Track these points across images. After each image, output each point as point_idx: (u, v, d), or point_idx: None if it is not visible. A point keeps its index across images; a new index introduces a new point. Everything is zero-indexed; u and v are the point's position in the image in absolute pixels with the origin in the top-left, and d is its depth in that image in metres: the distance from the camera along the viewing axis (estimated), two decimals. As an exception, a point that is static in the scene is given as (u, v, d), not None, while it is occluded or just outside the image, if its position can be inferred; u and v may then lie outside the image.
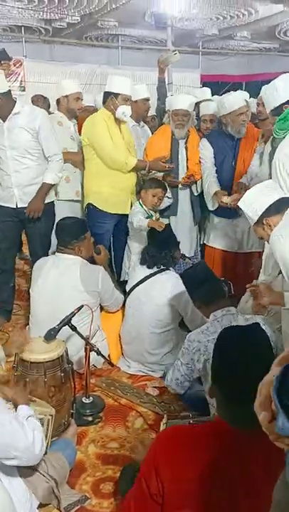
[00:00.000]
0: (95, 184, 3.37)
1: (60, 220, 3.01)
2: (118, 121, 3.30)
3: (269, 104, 2.61)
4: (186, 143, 3.58)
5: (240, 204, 2.30)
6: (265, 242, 2.39)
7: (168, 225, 3.24)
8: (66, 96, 3.56)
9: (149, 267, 2.92)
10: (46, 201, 3.24)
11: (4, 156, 3.09)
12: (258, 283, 2.43)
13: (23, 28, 7.33)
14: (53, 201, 3.35)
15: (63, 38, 7.85)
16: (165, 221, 3.44)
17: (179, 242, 3.06)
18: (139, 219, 3.20)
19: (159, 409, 2.53)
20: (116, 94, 3.21)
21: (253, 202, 2.21)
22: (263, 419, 0.71)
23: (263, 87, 2.72)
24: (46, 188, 3.21)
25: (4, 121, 3.05)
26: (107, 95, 3.27)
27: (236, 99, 3.40)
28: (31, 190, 3.18)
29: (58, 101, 3.74)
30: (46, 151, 3.16)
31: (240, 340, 1.20)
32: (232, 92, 3.61)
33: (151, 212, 3.35)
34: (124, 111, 3.22)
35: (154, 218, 3.35)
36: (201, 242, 3.88)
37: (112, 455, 2.21)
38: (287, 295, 2.20)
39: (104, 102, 3.34)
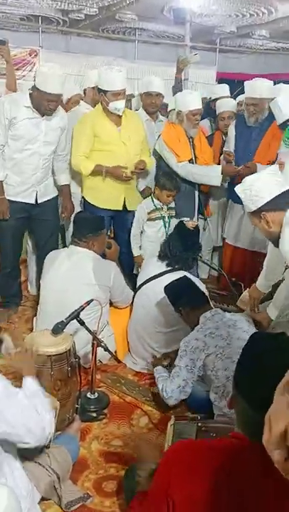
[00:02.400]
0: (87, 178, 3.35)
1: (79, 212, 3.04)
2: (116, 116, 3.24)
3: (277, 119, 2.76)
4: (193, 141, 3.53)
5: (237, 188, 2.13)
6: (269, 245, 2.32)
7: (197, 226, 3.20)
8: (93, 87, 3.53)
9: (168, 265, 2.89)
10: (53, 196, 3.35)
11: (36, 152, 3.09)
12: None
13: (40, 18, 7.27)
14: (57, 195, 3.42)
15: (80, 30, 7.78)
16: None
17: (201, 246, 3.05)
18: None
19: (165, 409, 2.49)
20: (104, 91, 3.15)
21: (253, 189, 2.03)
22: (279, 459, 0.65)
23: (273, 101, 2.78)
24: (69, 189, 3.39)
25: (43, 116, 3.05)
26: (98, 91, 3.21)
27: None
28: (47, 184, 3.28)
29: (84, 91, 3.76)
30: (61, 149, 3.25)
31: (271, 345, 1.12)
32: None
33: (160, 205, 3.39)
34: (117, 106, 3.15)
35: (163, 213, 3.37)
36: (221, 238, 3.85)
37: (116, 453, 2.18)
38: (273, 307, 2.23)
39: (98, 97, 3.28)
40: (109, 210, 3.35)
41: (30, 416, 1.56)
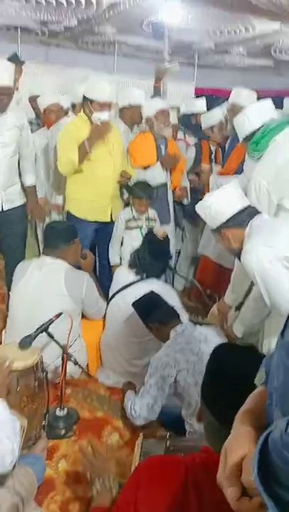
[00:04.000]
0: (72, 191, 3.29)
1: (50, 222, 2.96)
2: None
3: (241, 132, 2.61)
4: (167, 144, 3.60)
5: (197, 207, 2.14)
6: (236, 259, 2.30)
7: (167, 236, 3.17)
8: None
9: (137, 273, 2.84)
10: (22, 203, 3.23)
11: None
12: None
13: (19, 28, 7.25)
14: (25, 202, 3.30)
15: (59, 41, 7.79)
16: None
17: (172, 255, 3.01)
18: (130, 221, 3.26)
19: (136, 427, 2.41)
20: (91, 100, 3.12)
21: (213, 207, 2.05)
22: (232, 497, 0.60)
23: (235, 118, 2.72)
24: (35, 190, 3.25)
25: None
26: (84, 99, 3.18)
27: None
28: (12, 190, 3.15)
29: (73, 106, 3.87)
30: (24, 148, 3.15)
31: (236, 357, 1.09)
32: None
33: (137, 215, 3.36)
34: (100, 117, 3.11)
35: (140, 223, 3.33)
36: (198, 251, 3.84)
37: (85, 473, 2.08)
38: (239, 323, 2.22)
39: (82, 106, 3.26)
40: (95, 222, 3.29)
41: None
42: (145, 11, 6.38)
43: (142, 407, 2.17)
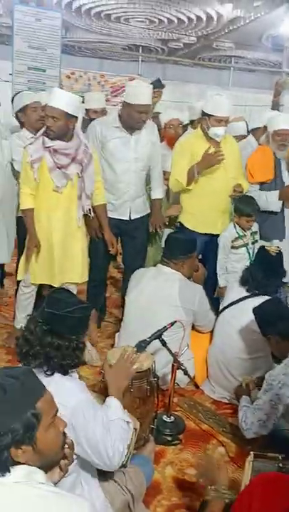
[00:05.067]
0: (188, 203, 3.36)
1: (172, 233, 3.03)
2: (215, 140, 3.24)
3: None
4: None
5: None
6: None
7: (280, 251, 3.09)
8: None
9: (248, 290, 2.80)
10: (145, 213, 3.36)
11: (127, 169, 3.18)
12: None
13: (140, 47, 7.63)
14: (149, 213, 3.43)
15: (177, 58, 8.03)
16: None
17: (286, 272, 2.91)
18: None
19: (243, 443, 2.38)
20: (209, 115, 3.17)
21: None
22: None
23: None
24: (160, 203, 3.41)
25: (131, 135, 3.16)
26: (203, 114, 3.25)
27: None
28: (139, 201, 3.32)
29: (192, 122, 3.93)
30: (154, 163, 3.29)
31: None
32: None
33: (243, 233, 3.31)
34: (217, 132, 3.17)
35: (246, 240, 3.27)
36: None
37: (190, 482, 2.11)
38: None
39: (200, 121, 3.32)
40: (206, 234, 3.34)
41: (102, 440, 1.54)
42: (265, 24, 6.35)
43: (253, 422, 2.14)
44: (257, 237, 3.39)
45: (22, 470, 1.08)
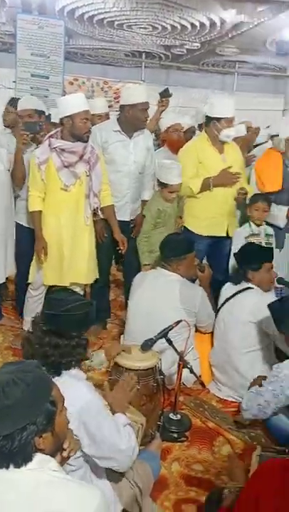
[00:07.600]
0: (193, 207, 3.40)
1: (169, 234, 3.07)
2: (220, 144, 3.30)
3: None
4: None
5: None
6: None
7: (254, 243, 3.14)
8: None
9: (234, 283, 2.87)
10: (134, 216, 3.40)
11: (127, 172, 3.25)
12: None
13: (144, 53, 7.69)
14: None
15: (181, 64, 8.08)
16: None
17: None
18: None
19: (248, 439, 2.41)
20: (218, 118, 3.21)
21: None
22: None
23: None
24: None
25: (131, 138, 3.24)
26: (209, 119, 3.28)
27: None
28: (138, 203, 3.40)
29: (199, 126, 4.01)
30: (148, 168, 3.38)
31: None
32: None
33: (256, 230, 3.36)
34: (229, 134, 3.24)
35: (260, 238, 3.33)
36: None
37: (196, 477, 2.14)
38: None
39: (206, 125, 3.36)
40: (210, 237, 3.37)
41: (114, 435, 1.58)
42: (269, 29, 6.38)
43: (253, 405, 2.22)
44: (272, 240, 3.44)
45: (36, 457, 1.13)
